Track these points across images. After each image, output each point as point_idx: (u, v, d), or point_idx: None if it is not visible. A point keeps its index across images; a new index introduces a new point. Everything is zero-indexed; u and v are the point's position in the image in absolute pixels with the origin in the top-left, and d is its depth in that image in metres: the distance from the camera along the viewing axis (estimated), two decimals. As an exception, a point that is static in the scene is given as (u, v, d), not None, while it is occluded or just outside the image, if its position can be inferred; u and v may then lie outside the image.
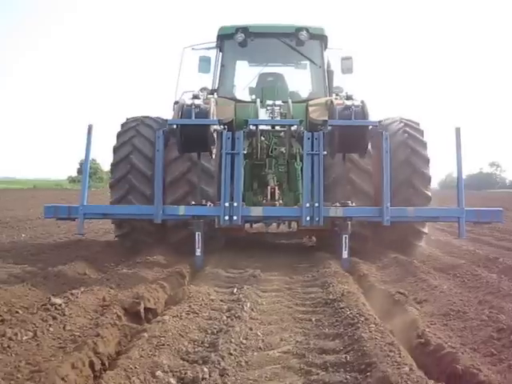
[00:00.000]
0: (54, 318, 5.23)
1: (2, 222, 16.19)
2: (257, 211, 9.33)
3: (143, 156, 10.36)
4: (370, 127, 9.03)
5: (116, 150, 10.61)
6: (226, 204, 8.81)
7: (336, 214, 8.98)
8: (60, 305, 5.64)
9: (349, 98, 9.25)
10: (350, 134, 8.85)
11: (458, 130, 9.21)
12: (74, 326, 5.23)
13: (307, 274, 8.42)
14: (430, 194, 10.39)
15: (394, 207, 9.03)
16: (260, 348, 4.73)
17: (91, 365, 4.09)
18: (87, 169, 9.67)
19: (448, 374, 3.92)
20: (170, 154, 9.87)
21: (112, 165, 10.67)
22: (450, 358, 4.12)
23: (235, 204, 8.83)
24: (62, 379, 3.61)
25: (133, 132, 10.61)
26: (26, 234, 13.56)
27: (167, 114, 11.33)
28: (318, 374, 4.09)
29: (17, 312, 5.50)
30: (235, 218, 8.82)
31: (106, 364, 4.23)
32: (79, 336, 4.86)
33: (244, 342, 4.80)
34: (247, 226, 12.19)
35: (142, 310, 5.74)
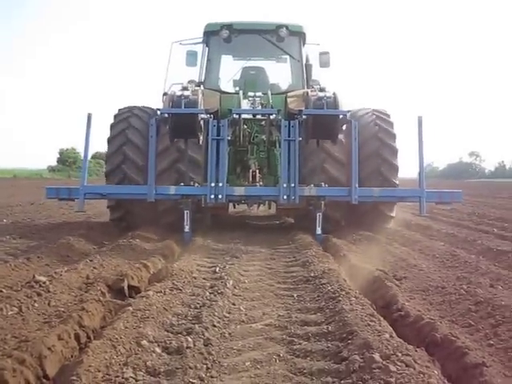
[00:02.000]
0: (39, 295, 5.28)
1: (-17, 209, 16.10)
2: (239, 191, 10.31)
3: (135, 146, 11.17)
4: (341, 116, 9.97)
5: (110, 140, 11.44)
6: (212, 184, 9.68)
7: (310, 193, 10.01)
8: (44, 282, 5.69)
9: (322, 90, 10.39)
10: (322, 122, 9.84)
11: (420, 119, 10.21)
12: (58, 302, 5.29)
13: (287, 254, 8.60)
14: (397, 182, 11.28)
15: (361, 187, 10.08)
16: (243, 321, 4.82)
17: (77, 337, 4.16)
18: (87, 154, 10.58)
19: (427, 342, 4.02)
20: (161, 132, 10.60)
21: (107, 155, 11.65)
22: (429, 327, 4.23)
23: (220, 184, 9.70)
24: (49, 349, 3.67)
25: (125, 124, 11.40)
26: (7, 219, 13.49)
27: (156, 103, 11.99)
28: (300, 343, 4.17)
29: (1, 291, 5.50)
30: (220, 196, 9.71)
31: (92, 337, 4.29)
32: (64, 311, 4.91)
33: (227, 315, 4.90)
34: (231, 208, 13.26)
35: (125, 287, 5.80)
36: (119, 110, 11.86)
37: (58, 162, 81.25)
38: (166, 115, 9.96)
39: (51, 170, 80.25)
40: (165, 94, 11.56)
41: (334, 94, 10.07)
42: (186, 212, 9.78)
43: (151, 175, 9.96)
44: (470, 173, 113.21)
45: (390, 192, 10.80)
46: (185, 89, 10.22)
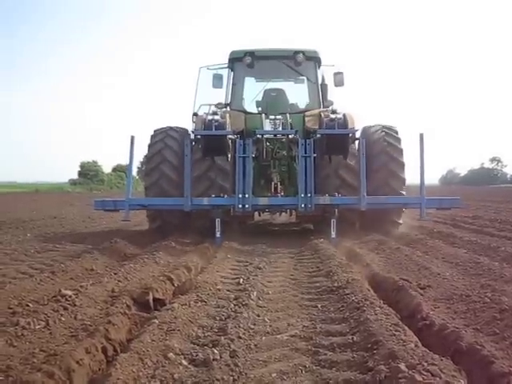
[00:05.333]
0: (65, 309, 5.35)
1: (7, 223, 16.21)
2: (263, 201, 11.79)
3: (170, 164, 12.66)
4: (350, 135, 11.43)
5: (148, 159, 13.06)
6: (240, 195, 11.21)
7: (324, 201, 11.34)
8: (70, 296, 5.78)
9: (334, 111, 11.72)
10: (333, 140, 11.26)
11: (421, 136, 11.28)
12: (84, 315, 5.35)
13: (311, 264, 8.60)
14: (403, 176, 12.62)
15: (369, 196, 11.24)
16: (268, 332, 4.83)
17: (104, 350, 4.19)
18: (131, 171, 12.40)
19: (452, 351, 4.01)
20: (193, 147, 11.89)
21: (146, 172, 13.19)
22: (454, 336, 4.22)
23: (246, 195, 11.22)
24: (77, 362, 3.71)
25: (161, 144, 12.88)
26: (30, 233, 13.61)
27: (185, 122, 13.90)
28: (325, 354, 4.19)
29: (27, 305, 5.57)
30: (247, 206, 11.25)
31: (118, 350, 4.32)
32: (90, 325, 4.95)
33: (252, 327, 4.92)
34: (256, 217, 15.16)
35: (150, 300, 5.84)
36: (155, 131, 13.32)
37: (79, 175, 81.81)
38: (199, 136, 11.54)
39: (73, 183, 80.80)
40: (194, 114, 13.05)
41: (343, 115, 11.39)
42: (217, 220, 11.22)
43: (187, 188, 11.28)
44: (492, 178, 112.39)
45: (394, 199, 12.00)
46: (215, 113, 11.75)
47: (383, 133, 12.95)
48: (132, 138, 11.51)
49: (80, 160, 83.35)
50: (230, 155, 11.82)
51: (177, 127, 13.46)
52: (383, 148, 12.62)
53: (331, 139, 11.26)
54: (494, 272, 7.33)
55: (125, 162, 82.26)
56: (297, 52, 13.75)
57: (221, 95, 14.19)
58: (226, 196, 11.51)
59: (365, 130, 13.12)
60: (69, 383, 3.53)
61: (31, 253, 9.95)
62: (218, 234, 11.21)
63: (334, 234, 11.15)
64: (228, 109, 13.71)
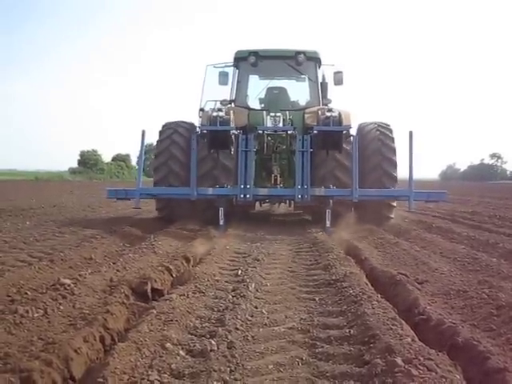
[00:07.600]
0: (64, 297, 5.37)
1: (6, 211, 16.21)
2: (263, 191, 12.82)
3: (177, 160, 13.47)
4: (344, 132, 12.31)
5: (158, 155, 13.82)
6: (242, 186, 12.06)
7: (320, 193, 12.21)
8: (69, 285, 5.79)
9: (330, 110, 12.41)
10: (329, 137, 12.08)
11: (410, 133, 12.01)
12: (83, 304, 5.36)
13: (309, 257, 8.63)
14: (396, 175, 13.39)
15: (360, 188, 12.15)
16: (265, 324, 4.85)
17: (102, 339, 4.22)
18: (141, 163, 13.30)
19: (449, 346, 4.02)
20: (199, 144, 12.64)
21: (155, 168, 13.89)
22: (451, 331, 4.23)
23: (248, 186, 12.09)
24: (75, 351, 3.73)
25: (169, 141, 13.70)
26: (30, 221, 13.61)
27: (192, 116, 14.80)
28: (322, 346, 4.21)
29: (26, 293, 5.57)
30: (248, 196, 12.12)
31: (116, 340, 4.34)
32: (89, 314, 4.96)
33: (250, 318, 4.94)
34: (257, 207, 16.45)
35: (149, 290, 5.85)
36: (163, 126, 14.17)
37: (79, 163, 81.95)
38: (205, 131, 12.46)
39: (72, 171, 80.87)
40: (201, 109, 14.06)
41: (339, 113, 12.14)
42: (220, 209, 12.04)
43: (193, 179, 12.17)
44: (492, 174, 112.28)
45: (384, 192, 12.95)
46: (219, 110, 12.44)
47: (376, 125, 13.91)
48: (143, 132, 12.49)
49: (80, 149, 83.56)
50: (233, 149, 12.47)
51: (184, 122, 14.29)
52: (376, 136, 13.56)
53: (326, 135, 12.08)
54: (492, 268, 7.35)
55: (124, 151, 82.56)
56: (298, 52, 14.53)
57: (226, 92, 15.02)
58: (229, 186, 12.35)
59: (360, 128, 14.05)
60: (66, 371, 3.54)
61: (30, 241, 9.95)
62: (221, 222, 11.94)
63: (328, 224, 11.92)
64: (233, 105, 14.60)
